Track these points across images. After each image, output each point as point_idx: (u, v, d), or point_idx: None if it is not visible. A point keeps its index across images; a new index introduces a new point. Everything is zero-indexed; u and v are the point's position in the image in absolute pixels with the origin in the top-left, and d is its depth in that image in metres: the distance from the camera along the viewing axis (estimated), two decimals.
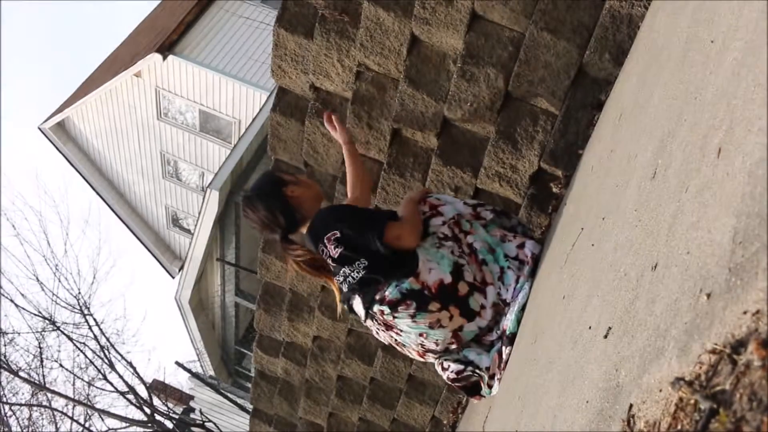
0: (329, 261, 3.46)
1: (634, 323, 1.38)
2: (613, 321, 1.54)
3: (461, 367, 3.43)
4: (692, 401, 0.99)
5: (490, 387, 3.34)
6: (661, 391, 1.11)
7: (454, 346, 3.43)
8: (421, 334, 3.34)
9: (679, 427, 1.01)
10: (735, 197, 1.09)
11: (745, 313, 0.94)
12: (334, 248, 3.41)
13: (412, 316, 3.27)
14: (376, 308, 3.36)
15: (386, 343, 3.61)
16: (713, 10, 1.72)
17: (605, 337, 1.55)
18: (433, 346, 3.41)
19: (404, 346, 3.49)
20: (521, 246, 3.37)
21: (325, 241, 3.43)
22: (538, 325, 2.72)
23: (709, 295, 1.06)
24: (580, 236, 2.51)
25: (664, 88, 1.99)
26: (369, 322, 3.50)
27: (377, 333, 3.56)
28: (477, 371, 3.40)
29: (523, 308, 3.24)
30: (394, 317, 3.31)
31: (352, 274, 3.41)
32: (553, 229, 3.46)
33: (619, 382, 1.33)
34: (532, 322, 2.90)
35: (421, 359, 3.62)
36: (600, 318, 1.67)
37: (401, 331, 3.37)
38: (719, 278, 1.04)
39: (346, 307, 3.61)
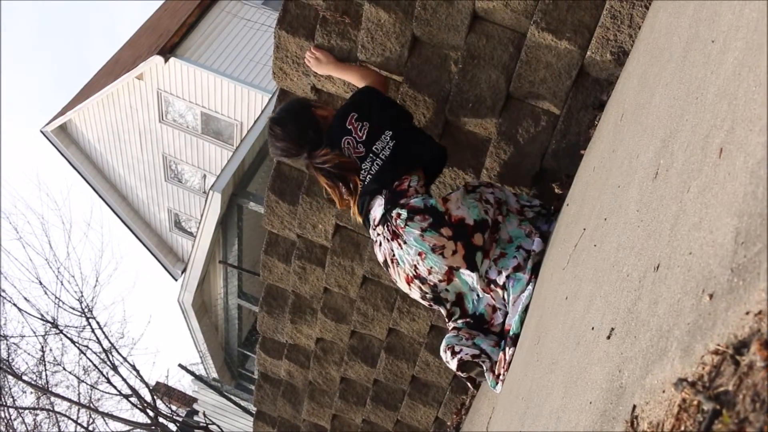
0: (357, 148, 3.58)
1: (636, 324, 1.38)
2: (616, 322, 1.54)
3: (476, 351, 3.44)
4: (695, 402, 0.99)
5: (496, 382, 3.34)
6: (664, 392, 1.11)
7: (443, 285, 3.50)
8: (420, 253, 3.39)
9: (682, 428, 1.01)
10: (737, 197, 1.09)
11: (747, 313, 0.94)
12: (360, 128, 3.57)
13: (423, 230, 3.34)
14: (395, 211, 3.42)
15: (380, 261, 3.66)
16: (714, 10, 1.72)
17: (608, 337, 1.55)
18: (424, 273, 3.45)
19: (399, 264, 3.53)
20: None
21: (348, 127, 3.58)
22: (541, 325, 2.72)
23: (711, 296, 1.06)
24: (582, 237, 2.51)
25: (666, 88, 1.99)
26: (379, 229, 3.55)
27: (379, 245, 3.61)
28: (488, 361, 3.41)
29: (526, 309, 3.24)
30: (407, 224, 3.37)
31: (382, 152, 3.54)
32: (556, 229, 3.46)
33: (622, 383, 1.33)
34: (536, 323, 2.90)
35: (407, 287, 3.63)
36: (603, 319, 1.67)
37: (404, 243, 3.41)
38: (721, 279, 1.04)
39: (361, 216, 3.68)
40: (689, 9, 2.08)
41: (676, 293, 1.21)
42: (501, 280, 3.37)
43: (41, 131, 18.83)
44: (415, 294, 3.64)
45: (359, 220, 3.68)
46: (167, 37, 15.31)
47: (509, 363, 3.24)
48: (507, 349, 3.26)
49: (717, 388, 0.95)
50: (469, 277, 3.41)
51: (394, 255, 3.51)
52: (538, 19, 3.44)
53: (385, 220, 3.48)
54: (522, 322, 3.24)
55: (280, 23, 4.07)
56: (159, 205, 20.25)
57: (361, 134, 3.57)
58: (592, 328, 1.74)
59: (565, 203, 3.54)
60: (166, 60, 15.15)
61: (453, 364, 3.52)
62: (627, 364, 1.34)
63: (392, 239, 3.46)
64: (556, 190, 3.85)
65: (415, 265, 3.44)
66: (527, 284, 3.29)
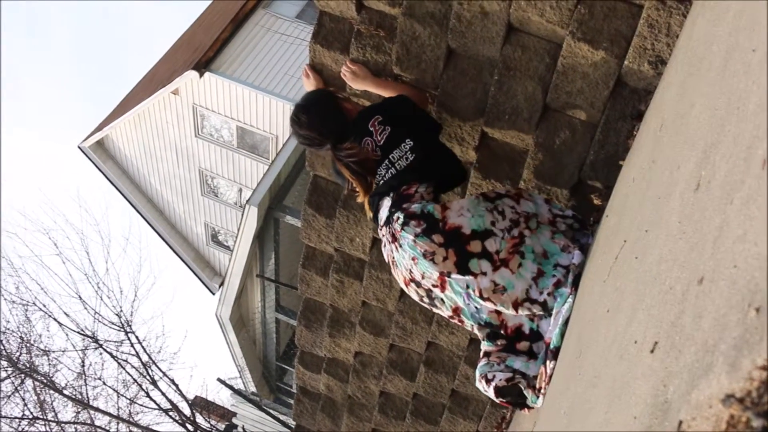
0: (375, 151, 3.61)
1: (681, 338, 1.36)
2: (660, 335, 1.52)
3: (509, 374, 3.41)
4: (743, 419, 0.98)
5: (537, 396, 3.31)
6: (711, 407, 1.09)
7: (437, 291, 3.49)
8: (413, 258, 3.39)
9: None
10: None
11: None
12: (381, 132, 3.59)
13: (416, 236, 3.34)
14: (395, 215, 3.44)
15: (387, 260, 3.67)
16: (754, 19, 1.70)
17: (652, 351, 1.53)
18: (418, 277, 3.47)
19: (397, 266, 3.56)
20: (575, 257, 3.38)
21: (370, 128, 3.61)
22: (582, 339, 2.70)
23: (758, 310, 1.04)
24: (623, 249, 2.48)
25: (705, 98, 1.97)
26: (384, 230, 3.57)
27: (384, 246, 3.65)
28: (524, 380, 3.38)
29: (566, 322, 3.21)
30: (403, 228, 3.38)
31: (399, 161, 3.55)
32: (595, 241, 3.43)
33: (667, 398, 1.31)
34: (576, 336, 2.88)
35: (405, 288, 3.66)
36: (646, 332, 1.65)
37: (400, 246, 3.43)
38: None
39: (371, 213, 3.71)
40: (728, 17, 2.06)
41: (721, 307, 1.20)
42: (541, 298, 3.33)
43: (79, 147, 19.04)
44: (413, 296, 3.68)
45: (371, 215, 3.73)
46: (202, 52, 15.44)
47: (550, 377, 3.21)
48: (547, 362, 3.23)
49: (766, 405, 0.94)
50: (462, 282, 3.39)
51: (394, 257, 3.54)
52: (573, 29, 3.43)
53: (388, 222, 3.51)
54: (562, 335, 3.21)
55: (315, 37, 4.09)
56: (196, 219, 20.39)
57: (380, 138, 3.60)
58: (635, 342, 1.72)
59: (605, 215, 3.51)
60: (201, 75, 15.26)
61: (491, 393, 3.50)
62: (672, 379, 1.32)
63: (392, 242, 3.49)
64: (595, 202, 3.82)
65: (410, 269, 3.47)
66: (568, 297, 3.26)
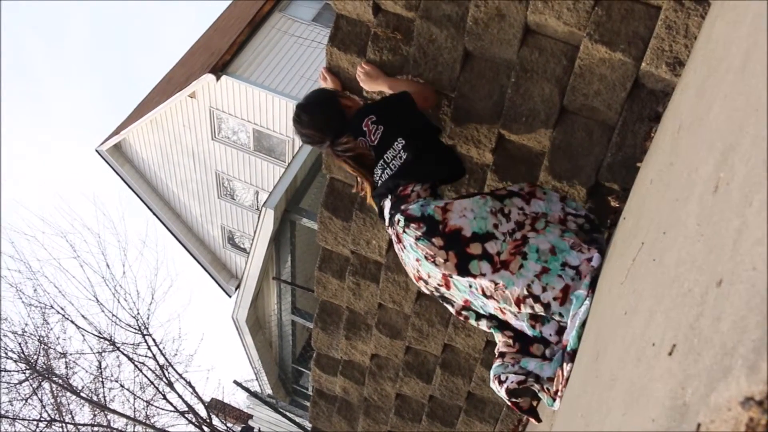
0: (369, 152, 3.65)
1: (699, 340, 1.35)
2: (678, 338, 1.51)
3: (521, 377, 3.41)
4: (763, 421, 0.97)
5: (553, 399, 3.30)
6: (730, 410, 1.08)
7: (444, 289, 3.54)
8: (417, 259, 3.44)
9: None
10: None
11: None
12: (374, 131, 3.62)
13: (417, 238, 3.38)
14: (396, 216, 3.48)
15: (399, 257, 3.72)
16: None
17: (670, 354, 1.53)
18: (424, 276, 3.52)
19: (406, 264, 3.61)
20: (590, 260, 3.33)
21: (364, 129, 3.64)
22: (599, 341, 2.68)
23: None
24: (640, 251, 2.47)
25: (724, 99, 1.96)
26: (390, 230, 3.63)
27: (394, 244, 3.68)
28: (537, 383, 3.38)
29: (583, 324, 3.20)
30: (405, 231, 3.42)
31: (392, 161, 3.58)
32: (612, 243, 3.42)
33: (685, 400, 1.30)
34: (594, 339, 2.87)
35: (416, 283, 3.70)
36: (664, 335, 1.64)
37: (404, 247, 3.49)
38: None
39: (377, 210, 3.77)
40: (747, 18, 2.05)
41: (740, 309, 1.19)
42: (546, 298, 3.30)
43: (96, 150, 19.12)
44: (424, 290, 3.72)
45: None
46: (219, 56, 15.48)
47: (567, 379, 3.20)
48: (564, 364, 3.22)
49: None
50: (465, 282, 3.41)
51: (401, 256, 3.61)
52: (591, 31, 3.42)
53: (391, 223, 3.57)
54: (580, 337, 3.20)
55: (332, 40, 4.09)
56: (212, 222, 20.44)
57: (374, 138, 3.64)
58: (653, 344, 1.71)
59: (622, 217, 3.50)
60: (218, 78, 15.31)
61: (503, 393, 3.51)
62: (690, 382, 1.31)
63: (398, 242, 3.55)
64: (612, 204, 3.81)
65: (417, 269, 3.52)
66: (585, 299, 3.24)
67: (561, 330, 3.41)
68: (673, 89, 3.40)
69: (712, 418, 1.14)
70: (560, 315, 3.29)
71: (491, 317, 3.64)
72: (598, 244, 3.43)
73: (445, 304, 3.75)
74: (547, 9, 3.46)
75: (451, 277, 3.41)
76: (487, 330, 3.70)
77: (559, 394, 3.24)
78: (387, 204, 3.62)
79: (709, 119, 2.09)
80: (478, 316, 3.68)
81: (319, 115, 3.83)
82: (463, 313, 3.70)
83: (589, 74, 3.55)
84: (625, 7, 3.35)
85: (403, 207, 3.47)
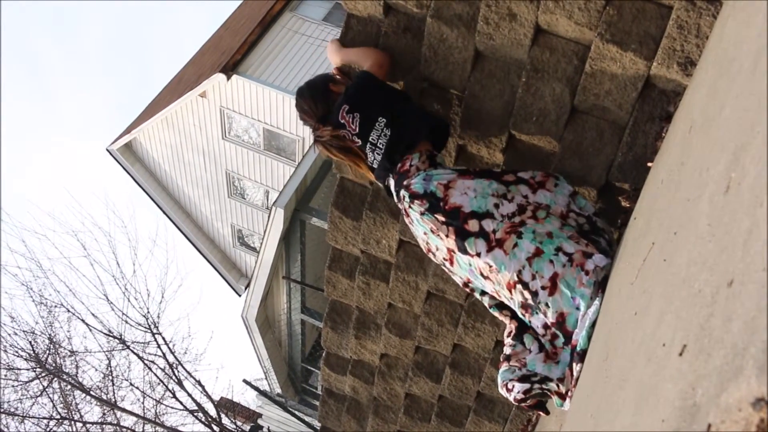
0: (354, 140, 3.76)
1: (710, 341, 1.35)
2: (688, 338, 1.51)
3: (527, 386, 3.40)
4: None
5: (563, 399, 3.30)
6: (740, 410, 1.08)
7: (448, 265, 3.62)
8: (425, 233, 3.56)
9: None
10: None
11: None
12: (352, 120, 3.74)
13: (422, 213, 3.48)
14: (401, 193, 3.59)
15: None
16: None
17: (680, 354, 1.52)
18: (433, 248, 3.62)
19: (416, 236, 3.72)
20: (588, 255, 3.29)
21: (342, 121, 3.75)
22: (609, 341, 2.68)
23: None
24: (651, 251, 2.47)
25: (736, 99, 1.95)
26: (399, 205, 3.72)
27: (404, 217, 3.78)
28: (545, 386, 3.37)
29: (593, 324, 3.19)
30: (410, 207, 3.53)
31: (379, 140, 3.70)
32: (623, 243, 3.41)
33: (696, 401, 1.30)
34: (604, 339, 2.86)
35: (427, 254, 3.79)
36: (674, 335, 1.64)
37: (412, 221, 3.60)
38: None
39: (384, 189, 3.88)
40: (759, 18, 2.04)
41: (750, 310, 1.19)
42: (534, 286, 3.29)
43: (107, 150, 19.17)
44: (435, 261, 3.80)
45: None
46: (229, 55, 15.50)
47: (577, 379, 3.20)
48: (574, 365, 3.21)
49: None
50: (466, 260, 3.47)
51: (412, 230, 3.71)
52: (602, 30, 3.41)
53: (399, 198, 3.66)
54: (589, 337, 3.19)
55: (343, 40, 4.09)
56: (222, 221, 20.47)
57: (354, 126, 3.74)
58: (663, 345, 1.71)
59: (633, 217, 3.49)
60: (229, 77, 15.33)
61: (512, 400, 3.52)
62: (701, 382, 1.31)
63: (406, 216, 3.65)
64: (623, 204, 3.80)
65: (426, 242, 3.63)
66: (592, 299, 3.22)
67: (547, 326, 3.39)
68: (685, 89, 3.39)
69: (722, 418, 1.14)
70: (546, 305, 3.27)
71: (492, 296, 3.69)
72: (595, 245, 3.42)
73: (453, 276, 3.81)
74: (558, 9, 3.45)
75: (455, 253, 3.49)
76: (489, 307, 3.75)
77: (569, 394, 3.24)
78: (391, 182, 3.73)
79: (720, 119, 2.09)
80: (482, 292, 3.72)
81: (308, 99, 3.99)
82: (470, 285, 3.72)
83: (600, 74, 3.55)
84: (637, 7, 3.34)
85: (405, 183, 3.58)
